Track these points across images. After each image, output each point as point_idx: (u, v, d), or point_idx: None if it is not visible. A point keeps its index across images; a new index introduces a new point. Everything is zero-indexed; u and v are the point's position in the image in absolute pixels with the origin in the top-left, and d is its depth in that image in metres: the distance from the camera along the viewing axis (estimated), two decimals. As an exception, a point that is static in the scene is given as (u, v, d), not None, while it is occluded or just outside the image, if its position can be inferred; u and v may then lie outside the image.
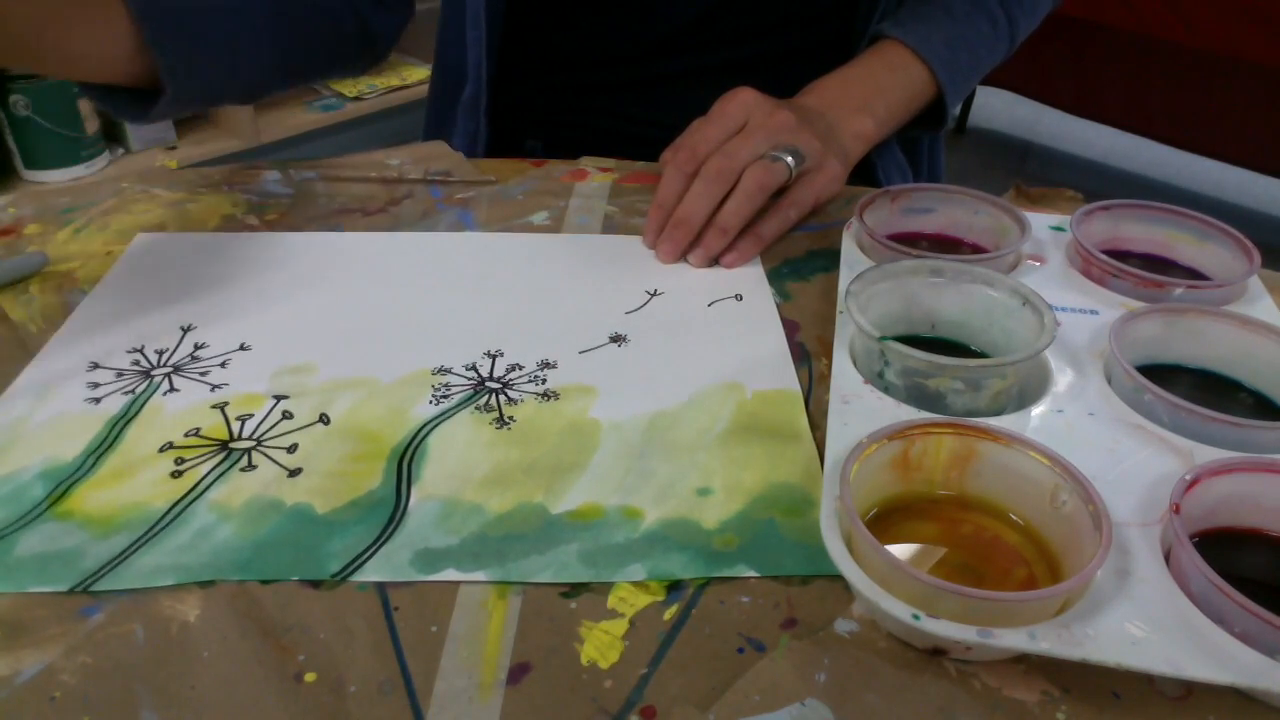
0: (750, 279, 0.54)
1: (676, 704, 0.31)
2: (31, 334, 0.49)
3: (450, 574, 0.35)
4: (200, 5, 0.52)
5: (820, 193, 0.59)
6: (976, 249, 0.54)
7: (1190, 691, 0.32)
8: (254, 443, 0.41)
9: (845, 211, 0.61)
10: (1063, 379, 0.42)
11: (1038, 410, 0.40)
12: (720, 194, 0.55)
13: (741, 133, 0.56)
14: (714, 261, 0.55)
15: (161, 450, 0.41)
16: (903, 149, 0.76)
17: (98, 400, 0.44)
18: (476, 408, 0.43)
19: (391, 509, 0.38)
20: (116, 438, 0.41)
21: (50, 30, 0.45)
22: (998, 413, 0.41)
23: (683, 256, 0.55)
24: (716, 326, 0.50)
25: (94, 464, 0.40)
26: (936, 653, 0.33)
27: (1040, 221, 0.55)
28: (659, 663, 0.32)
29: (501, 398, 0.44)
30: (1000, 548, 0.35)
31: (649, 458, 0.41)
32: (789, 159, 0.55)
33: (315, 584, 0.35)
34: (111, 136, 1.77)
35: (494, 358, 0.47)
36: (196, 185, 0.64)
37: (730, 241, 0.55)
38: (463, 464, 0.40)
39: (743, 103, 0.57)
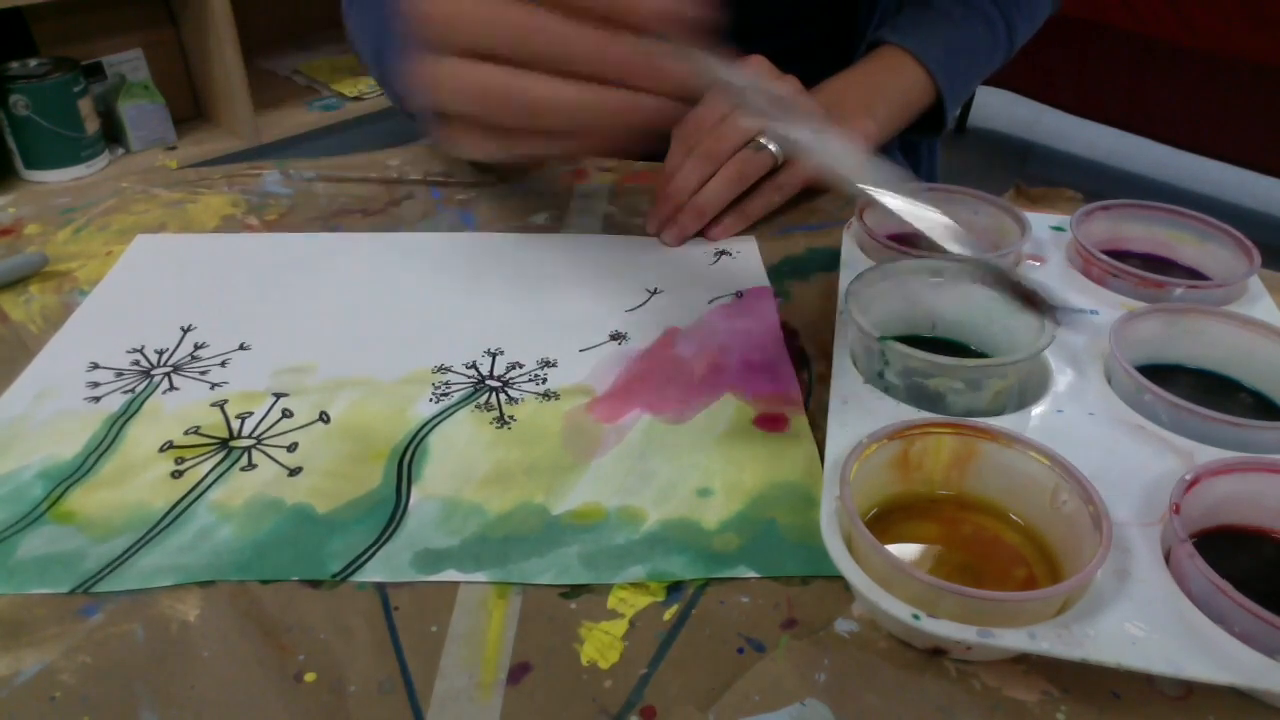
0: (751, 278, 0.54)
1: (676, 704, 0.31)
2: (31, 334, 0.49)
3: (450, 575, 0.35)
4: None
5: (813, 172, 0.59)
6: (976, 249, 0.54)
7: (1190, 691, 0.32)
8: (254, 441, 0.41)
9: (845, 211, 0.61)
10: (1063, 379, 0.42)
11: (1038, 410, 0.40)
12: (707, 173, 0.56)
13: (740, 107, 0.56)
14: (687, 239, 0.57)
15: (162, 450, 0.41)
16: (902, 152, 0.77)
17: (97, 399, 0.44)
18: (477, 406, 0.43)
19: (392, 509, 0.38)
20: (116, 436, 0.41)
21: None
22: (998, 413, 0.41)
23: (667, 229, 0.57)
24: (716, 325, 0.50)
25: (94, 464, 0.40)
26: (936, 653, 0.33)
27: (1040, 221, 0.55)
28: (659, 663, 0.32)
29: (501, 396, 0.44)
30: (1000, 548, 0.35)
31: (649, 458, 0.41)
32: (774, 147, 0.56)
33: (315, 584, 0.35)
34: (111, 136, 1.77)
35: (494, 356, 0.47)
36: (196, 185, 0.64)
37: (706, 222, 0.57)
38: (463, 464, 0.40)
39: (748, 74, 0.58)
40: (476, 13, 0.33)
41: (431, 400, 0.44)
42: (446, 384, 0.45)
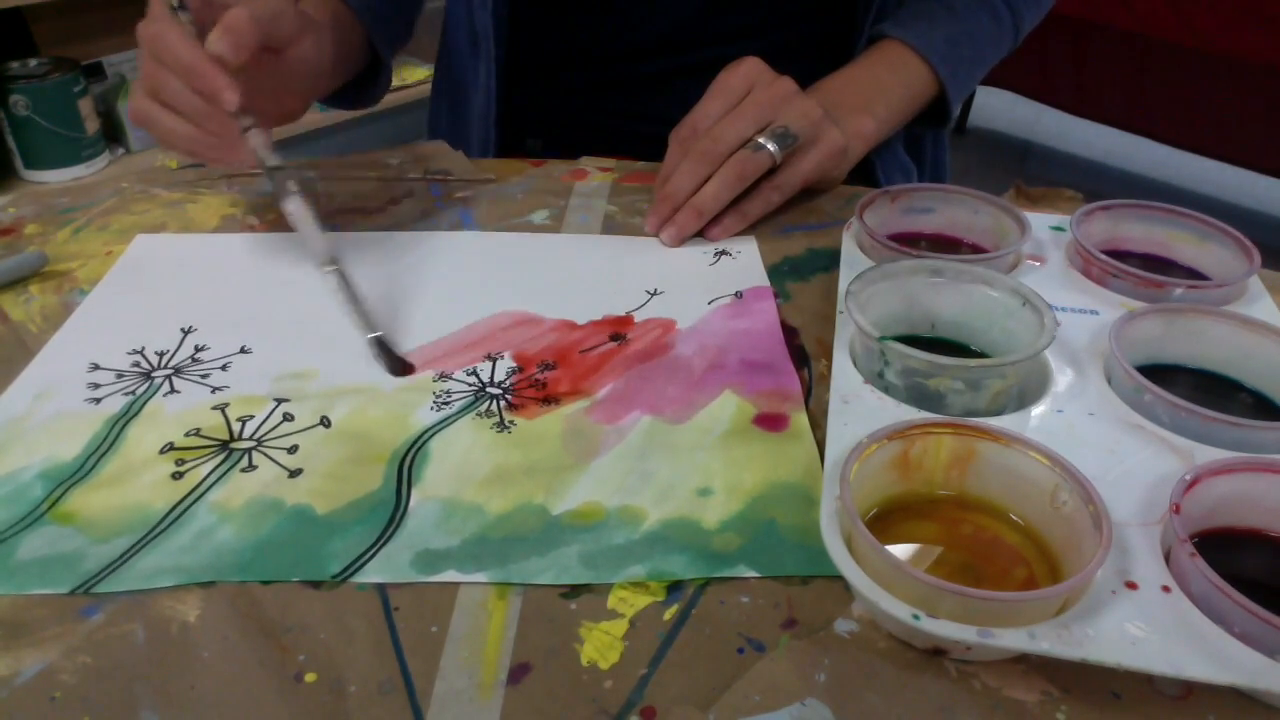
0: (751, 278, 0.54)
1: (676, 704, 0.31)
2: (31, 334, 0.49)
3: (451, 575, 0.35)
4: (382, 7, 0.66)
5: (812, 172, 0.59)
6: (976, 249, 0.54)
7: (1190, 691, 0.32)
8: (254, 443, 0.41)
9: (845, 211, 0.61)
10: (1063, 379, 0.42)
11: (1038, 410, 0.40)
12: (705, 174, 0.56)
13: (736, 110, 0.57)
14: (686, 240, 0.57)
15: (162, 451, 0.41)
16: (906, 147, 0.76)
17: (98, 400, 0.44)
18: (478, 413, 0.43)
19: (392, 510, 0.38)
20: (117, 437, 0.41)
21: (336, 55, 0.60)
22: (998, 413, 0.41)
23: (666, 229, 0.58)
24: (716, 325, 0.50)
25: (94, 465, 0.40)
26: (936, 653, 0.33)
27: (1040, 221, 0.55)
28: (659, 663, 0.32)
29: (502, 403, 0.44)
30: (1000, 548, 0.35)
31: (649, 459, 0.41)
32: (772, 147, 0.56)
33: (315, 584, 0.35)
34: (111, 136, 1.76)
35: (494, 361, 0.47)
36: (196, 185, 0.64)
37: (705, 222, 0.57)
38: (463, 466, 0.40)
39: (745, 74, 0.58)
40: (146, 55, 0.50)
41: (432, 409, 0.44)
42: (447, 392, 0.45)
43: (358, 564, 0.36)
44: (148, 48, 0.49)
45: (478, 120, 0.73)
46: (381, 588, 0.35)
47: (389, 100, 2.14)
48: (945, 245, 0.55)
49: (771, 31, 0.71)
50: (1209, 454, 0.37)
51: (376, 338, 0.47)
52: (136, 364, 0.46)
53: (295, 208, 0.52)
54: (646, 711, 0.31)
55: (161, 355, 0.47)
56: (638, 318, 0.50)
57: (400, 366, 0.46)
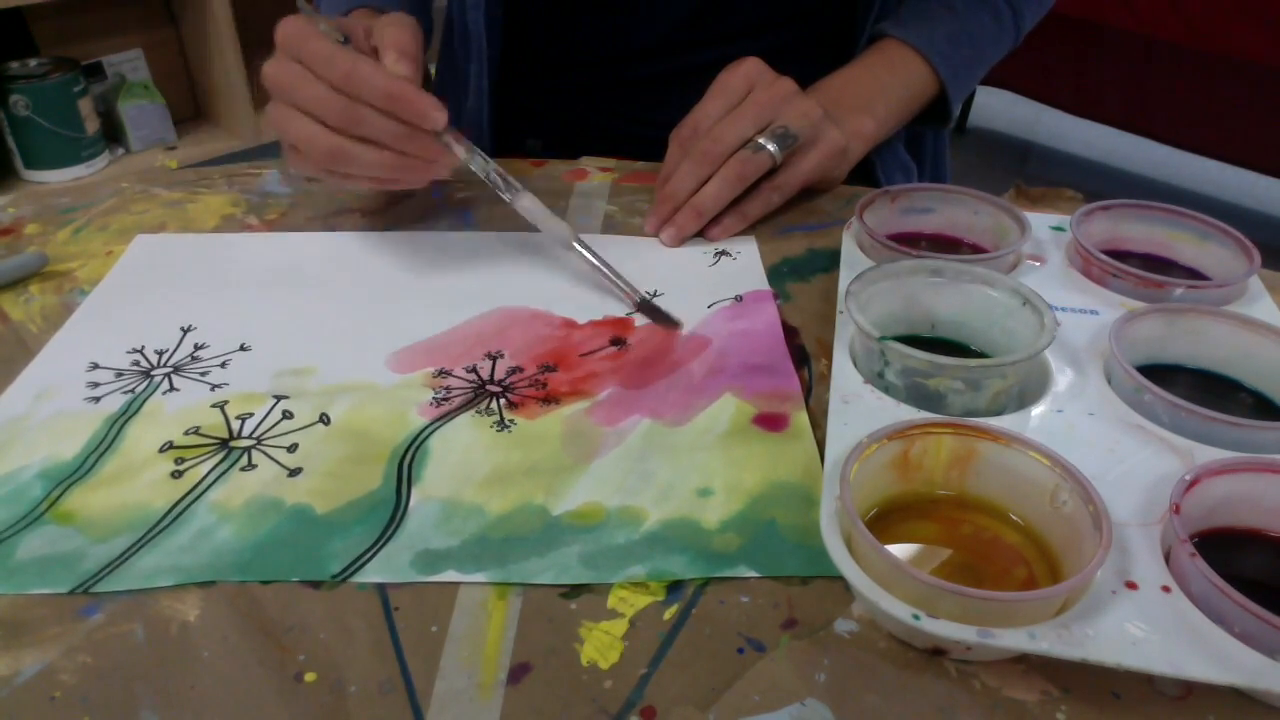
0: (750, 279, 0.54)
1: (676, 704, 0.31)
2: (31, 334, 0.49)
3: (451, 575, 0.35)
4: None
5: (812, 172, 0.59)
6: (976, 249, 0.54)
7: (1190, 691, 0.32)
8: (254, 441, 0.41)
9: (845, 211, 0.61)
10: (1063, 379, 0.42)
11: (1038, 410, 0.40)
12: (705, 175, 0.56)
13: (736, 110, 0.57)
14: (686, 240, 0.58)
15: (162, 450, 0.41)
16: (907, 146, 0.76)
17: (98, 399, 0.44)
18: (477, 411, 0.43)
19: (392, 510, 0.38)
20: (116, 436, 0.41)
21: None
22: (998, 413, 0.41)
23: (666, 229, 0.58)
24: (717, 328, 0.50)
25: (94, 464, 0.40)
26: (936, 653, 0.33)
27: (1040, 221, 0.55)
28: (659, 663, 0.32)
29: (502, 401, 0.44)
30: (1000, 548, 0.35)
31: (649, 459, 0.41)
32: (772, 147, 0.56)
33: (315, 584, 0.35)
34: (111, 136, 1.77)
35: (494, 359, 0.47)
36: (196, 185, 0.64)
37: (705, 223, 0.57)
38: (463, 465, 0.40)
39: (745, 74, 0.58)
40: (304, 91, 0.48)
41: (432, 404, 0.44)
42: (447, 389, 0.45)
43: (358, 564, 0.36)
44: (345, 85, 0.47)
45: (468, 121, 0.73)
46: (381, 588, 0.35)
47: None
48: (945, 245, 0.55)
49: (771, 31, 0.71)
50: (1209, 454, 0.37)
51: (645, 300, 0.50)
52: (136, 363, 0.46)
53: (529, 203, 0.52)
54: (646, 711, 0.31)
55: (161, 354, 0.47)
56: (637, 320, 0.50)
57: (674, 324, 0.49)
